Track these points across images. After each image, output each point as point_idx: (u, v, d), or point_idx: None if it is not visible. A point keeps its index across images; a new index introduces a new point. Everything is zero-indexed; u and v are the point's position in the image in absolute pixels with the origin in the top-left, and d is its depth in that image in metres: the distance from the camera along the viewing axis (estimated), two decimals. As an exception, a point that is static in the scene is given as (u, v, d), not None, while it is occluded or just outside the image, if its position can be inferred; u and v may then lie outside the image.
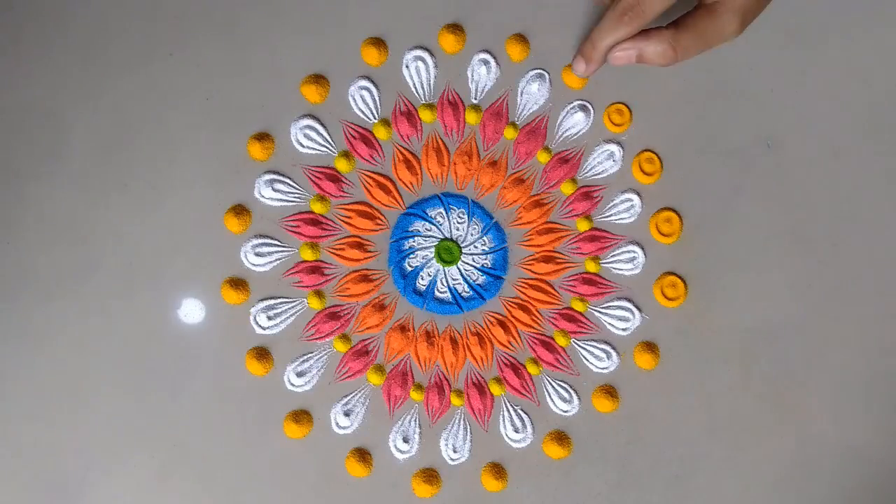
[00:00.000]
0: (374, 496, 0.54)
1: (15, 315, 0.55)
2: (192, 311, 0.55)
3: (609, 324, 0.55)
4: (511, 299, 0.56)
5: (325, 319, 0.55)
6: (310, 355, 0.55)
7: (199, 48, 0.56)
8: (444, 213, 0.56)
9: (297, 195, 0.56)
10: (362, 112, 0.56)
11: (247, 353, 0.55)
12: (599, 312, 0.56)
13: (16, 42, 0.56)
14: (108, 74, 0.56)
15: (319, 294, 0.55)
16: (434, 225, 0.56)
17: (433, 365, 0.55)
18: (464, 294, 0.56)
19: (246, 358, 0.55)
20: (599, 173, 0.56)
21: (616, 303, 0.55)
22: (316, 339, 0.55)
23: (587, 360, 0.55)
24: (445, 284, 0.56)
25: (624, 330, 0.55)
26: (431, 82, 0.56)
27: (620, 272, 0.56)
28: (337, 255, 0.56)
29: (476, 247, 0.56)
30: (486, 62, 0.56)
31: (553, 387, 0.55)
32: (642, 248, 0.56)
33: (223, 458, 0.54)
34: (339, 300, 0.55)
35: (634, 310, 0.55)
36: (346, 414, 0.55)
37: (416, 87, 0.56)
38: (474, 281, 0.56)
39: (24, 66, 0.56)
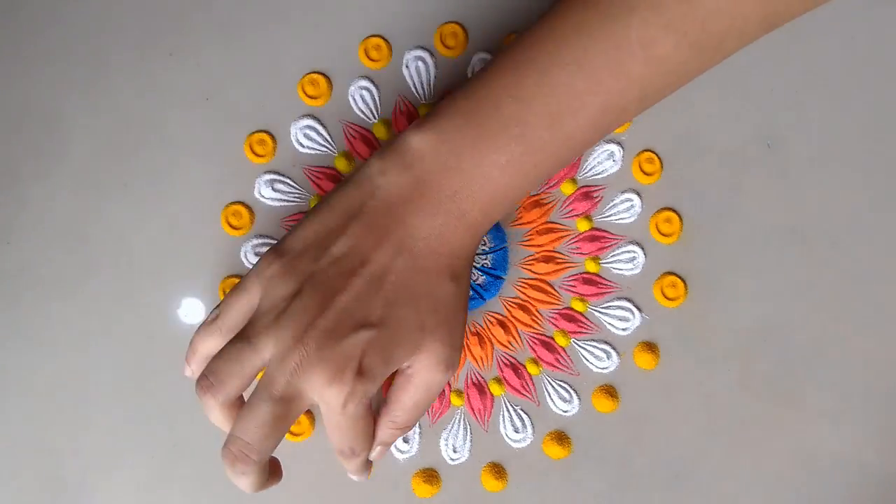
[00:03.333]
0: (374, 496, 0.54)
1: (15, 315, 0.55)
2: (192, 311, 0.55)
3: (609, 324, 0.55)
4: (511, 299, 0.56)
5: (325, 319, 0.55)
6: (310, 355, 0.55)
7: (199, 48, 0.56)
8: (444, 213, 0.56)
9: (297, 195, 0.56)
10: (362, 112, 0.56)
11: (247, 353, 0.54)
12: (599, 312, 0.56)
13: (16, 42, 0.56)
14: (108, 74, 0.56)
15: (319, 294, 0.55)
16: (434, 225, 0.56)
17: (433, 365, 0.55)
18: (464, 294, 0.56)
19: (246, 358, 0.54)
20: (599, 173, 0.56)
21: (616, 303, 0.55)
22: (316, 339, 0.55)
23: (587, 360, 0.55)
24: (445, 284, 0.56)
25: (624, 330, 0.55)
26: (431, 82, 0.56)
27: (620, 272, 0.56)
28: (337, 255, 0.55)
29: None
30: (486, 62, 0.56)
31: (553, 387, 0.55)
32: (642, 248, 0.56)
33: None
34: (339, 300, 0.55)
35: (634, 310, 0.55)
36: (347, 414, 0.54)
37: (416, 88, 0.56)
38: (474, 281, 0.56)
39: (24, 66, 0.56)
